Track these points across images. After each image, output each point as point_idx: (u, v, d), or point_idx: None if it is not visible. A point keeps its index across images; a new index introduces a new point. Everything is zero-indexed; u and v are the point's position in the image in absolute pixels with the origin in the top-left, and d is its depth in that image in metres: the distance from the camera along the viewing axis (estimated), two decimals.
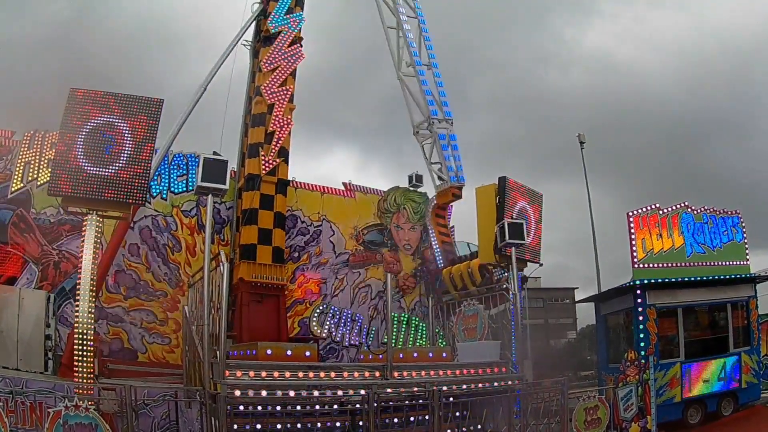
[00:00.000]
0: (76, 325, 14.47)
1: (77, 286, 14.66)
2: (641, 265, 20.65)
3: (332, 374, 14.58)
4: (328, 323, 23.74)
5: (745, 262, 22.23)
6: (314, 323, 23.52)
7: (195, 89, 19.15)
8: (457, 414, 15.52)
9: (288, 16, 22.06)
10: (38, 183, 19.31)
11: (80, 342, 14.19)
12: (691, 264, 21.35)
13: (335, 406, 14.22)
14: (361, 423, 14.17)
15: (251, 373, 13.46)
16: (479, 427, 16.04)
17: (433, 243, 24.13)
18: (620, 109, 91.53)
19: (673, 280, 20.54)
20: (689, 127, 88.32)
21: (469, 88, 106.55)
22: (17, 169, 19.33)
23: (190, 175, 21.63)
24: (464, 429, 15.65)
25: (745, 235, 22.47)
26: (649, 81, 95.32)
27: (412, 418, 14.98)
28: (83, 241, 14.80)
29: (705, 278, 20.99)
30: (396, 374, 15.14)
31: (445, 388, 15.46)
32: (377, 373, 15.03)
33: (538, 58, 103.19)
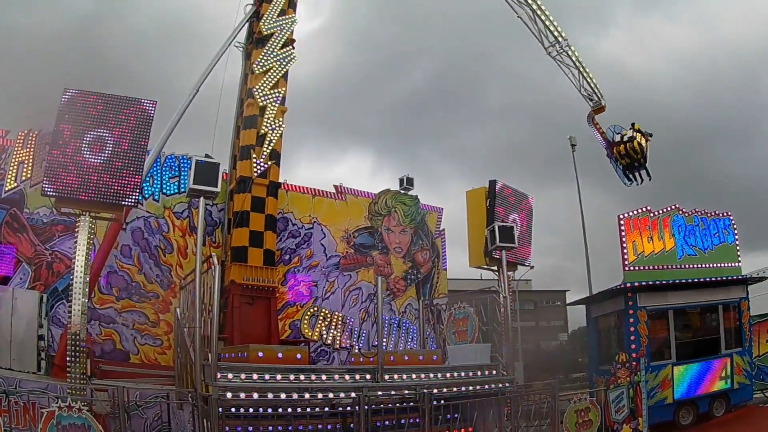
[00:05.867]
0: (68, 325, 14.50)
1: (70, 287, 14.71)
2: (632, 268, 20.76)
3: (323, 377, 14.55)
4: (318, 326, 23.77)
5: (736, 264, 22.32)
6: (305, 326, 23.54)
7: (188, 91, 19.16)
8: (448, 416, 15.55)
9: (280, 18, 22.06)
10: (32, 183, 19.35)
11: (73, 343, 14.22)
12: (682, 266, 21.45)
13: (326, 409, 14.24)
14: (352, 425, 14.20)
15: (242, 376, 13.44)
16: (470, 429, 16.08)
17: (597, 138, 23.61)
18: (630, 116, 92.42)
19: (664, 282, 20.63)
20: (696, 134, 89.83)
21: (486, 94, 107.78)
22: (11, 168, 19.37)
23: (182, 177, 21.63)
24: (455, 431, 15.69)
25: (736, 237, 22.57)
26: (660, 89, 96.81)
27: (402, 421, 14.97)
28: (76, 241, 14.84)
29: (696, 280, 21.08)
30: (387, 377, 15.12)
31: (435, 390, 15.49)
32: (368, 376, 15.00)
33: (555, 65, 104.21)
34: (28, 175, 19.47)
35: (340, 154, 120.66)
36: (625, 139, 22.13)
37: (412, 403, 15.11)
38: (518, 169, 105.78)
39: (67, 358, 14.28)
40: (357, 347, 23.93)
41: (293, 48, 22.31)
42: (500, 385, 17.14)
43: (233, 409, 13.35)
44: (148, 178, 20.61)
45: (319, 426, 14.06)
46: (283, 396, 13.70)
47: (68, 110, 14.93)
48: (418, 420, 15.06)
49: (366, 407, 14.21)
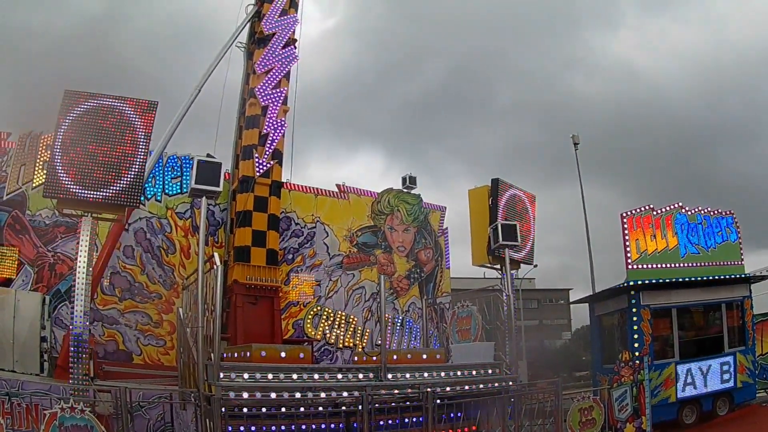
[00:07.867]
0: (71, 327, 14.49)
1: (72, 288, 14.69)
2: (635, 266, 20.70)
3: (326, 376, 14.55)
4: (322, 325, 23.76)
5: (739, 262, 22.27)
6: (308, 325, 23.54)
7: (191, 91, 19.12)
8: (451, 415, 15.51)
9: (282, 18, 22.04)
10: (33, 185, 19.38)
11: (75, 344, 14.21)
12: (686, 264, 21.39)
13: (329, 408, 14.21)
14: (355, 425, 14.17)
15: (245, 375, 13.43)
16: (473, 428, 16.05)
17: None
18: (638, 114, 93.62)
19: (667, 280, 20.58)
20: (701, 133, 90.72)
21: (494, 93, 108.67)
22: (12, 170, 19.36)
23: (184, 177, 21.64)
24: (458, 430, 15.65)
25: (739, 236, 22.52)
26: (666, 89, 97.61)
27: (406, 420, 14.96)
28: (78, 243, 14.82)
29: (699, 279, 21.03)
30: (390, 376, 15.12)
31: (438, 389, 15.45)
32: (371, 375, 15.01)
33: (565, 65, 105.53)
34: (30, 178, 19.49)
35: (351, 153, 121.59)
36: None
37: (415, 402, 15.08)
38: (525, 167, 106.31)
39: (70, 360, 14.27)
40: (360, 346, 23.92)
41: (295, 48, 22.29)
42: (504, 384, 17.13)
43: (236, 409, 13.32)
44: (150, 179, 20.63)
45: (322, 425, 14.03)
46: (285, 395, 13.70)
47: (69, 111, 14.88)
48: (421, 419, 15.03)
49: (369, 406, 14.17)
